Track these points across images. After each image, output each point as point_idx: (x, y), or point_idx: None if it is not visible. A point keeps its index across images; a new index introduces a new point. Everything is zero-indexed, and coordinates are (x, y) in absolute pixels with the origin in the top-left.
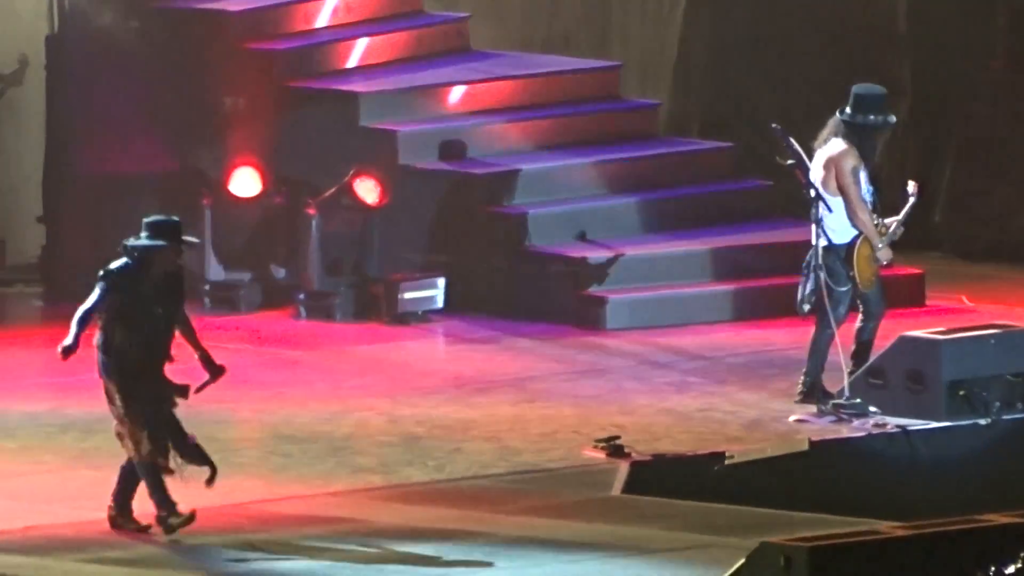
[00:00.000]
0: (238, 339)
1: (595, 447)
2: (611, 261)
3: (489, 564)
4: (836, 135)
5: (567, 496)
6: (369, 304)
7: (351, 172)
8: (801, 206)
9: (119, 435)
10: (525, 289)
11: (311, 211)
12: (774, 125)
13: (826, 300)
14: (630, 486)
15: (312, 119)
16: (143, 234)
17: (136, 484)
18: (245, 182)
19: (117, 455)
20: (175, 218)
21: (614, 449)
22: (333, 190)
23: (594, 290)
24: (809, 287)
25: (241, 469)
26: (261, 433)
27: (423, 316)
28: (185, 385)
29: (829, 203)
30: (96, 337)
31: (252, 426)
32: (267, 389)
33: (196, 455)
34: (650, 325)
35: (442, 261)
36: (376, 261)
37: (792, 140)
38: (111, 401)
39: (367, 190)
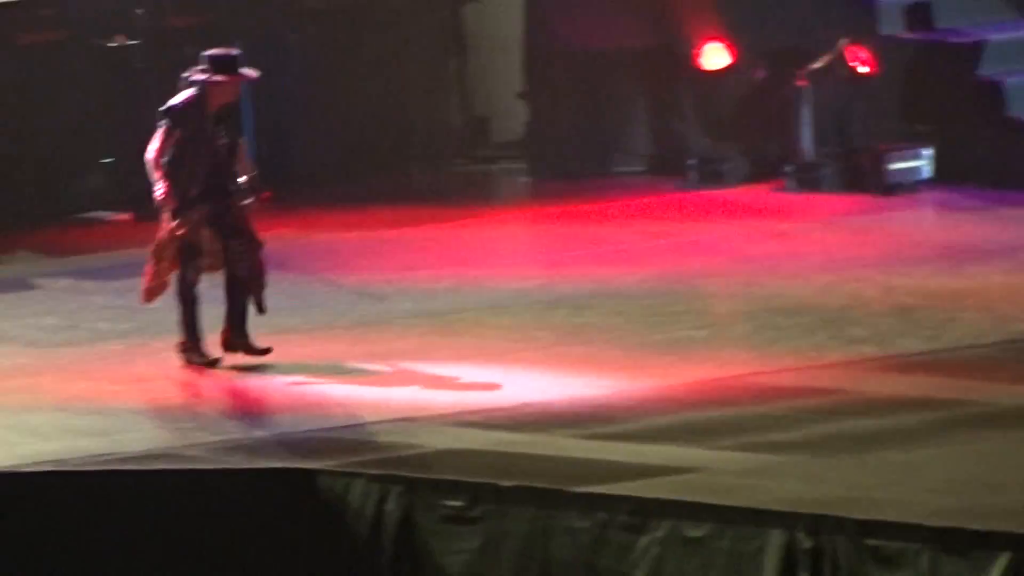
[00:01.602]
0: (725, 213)
1: None
2: None
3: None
4: None
5: None
6: (855, 175)
7: (841, 42)
8: None
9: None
10: (1013, 159)
11: (802, 82)
12: None
13: None
14: None
15: None
16: (202, 68)
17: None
18: (715, 56)
19: (609, 331)
20: (234, 51)
21: None
22: (825, 60)
23: None
24: None
25: (734, 342)
26: (753, 306)
27: (911, 186)
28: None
29: None
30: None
31: (744, 299)
32: (758, 262)
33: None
34: None
35: (925, 131)
36: (862, 132)
37: None
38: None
39: (859, 59)
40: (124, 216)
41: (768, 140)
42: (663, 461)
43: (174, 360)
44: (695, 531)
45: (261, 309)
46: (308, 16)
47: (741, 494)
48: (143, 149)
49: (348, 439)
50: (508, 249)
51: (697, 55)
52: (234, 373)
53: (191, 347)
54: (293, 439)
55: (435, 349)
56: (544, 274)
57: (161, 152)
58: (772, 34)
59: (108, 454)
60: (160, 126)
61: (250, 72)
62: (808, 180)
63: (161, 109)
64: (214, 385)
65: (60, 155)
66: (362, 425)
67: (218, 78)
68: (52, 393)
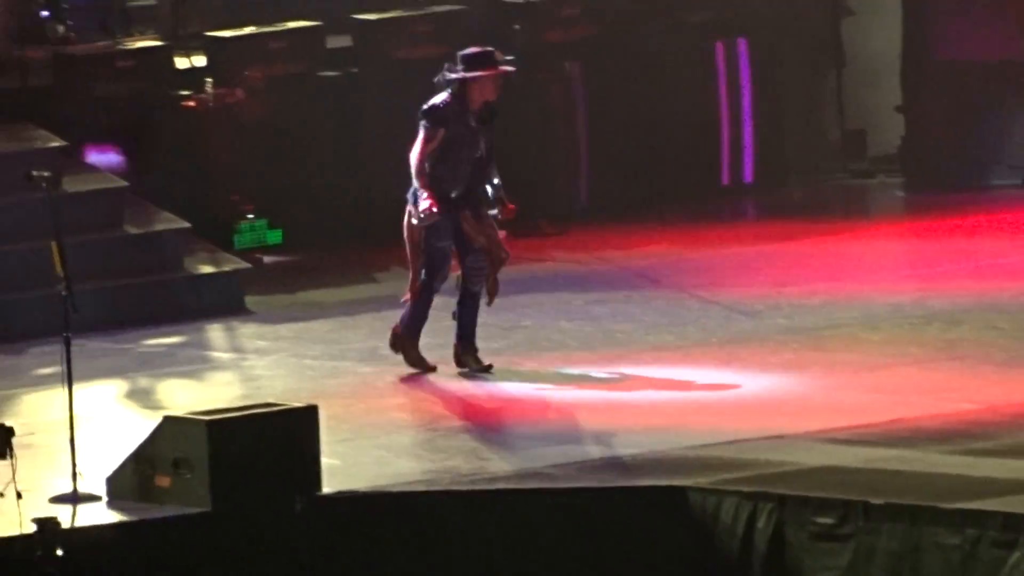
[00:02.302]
0: None
1: None
2: None
3: None
4: None
5: None
6: None
7: None
8: None
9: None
10: None
11: None
12: None
13: None
14: None
15: None
16: (459, 67)
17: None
18: None
19: (982, 346)
20: (489, 48)
21: None
22: None
23: None
24: None
25: None
26: None
27: None
28: None
29: None
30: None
31: None
32: None
33: None
34: None
35: None
36: None
37: None
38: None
39: None
40: (499, 234)
41: None
42: None
43: (545, 379)
44: None
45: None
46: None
47: None
48: (521, 166)
49: (718, 456)
50: (882, 263)
51: None
52: (592, 389)
53: (409, 345)
54: (663, 456)
55: (808, 364)
56: (918, 288)
57: (423, 156)
58: None
59: (477, 474)
60: (421, 128)
61: (508, 66)
62: None
63: (423, 109)
64: (579, 404)
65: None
66: (732, 442)
67: (477, 73)
68: (422, 412)
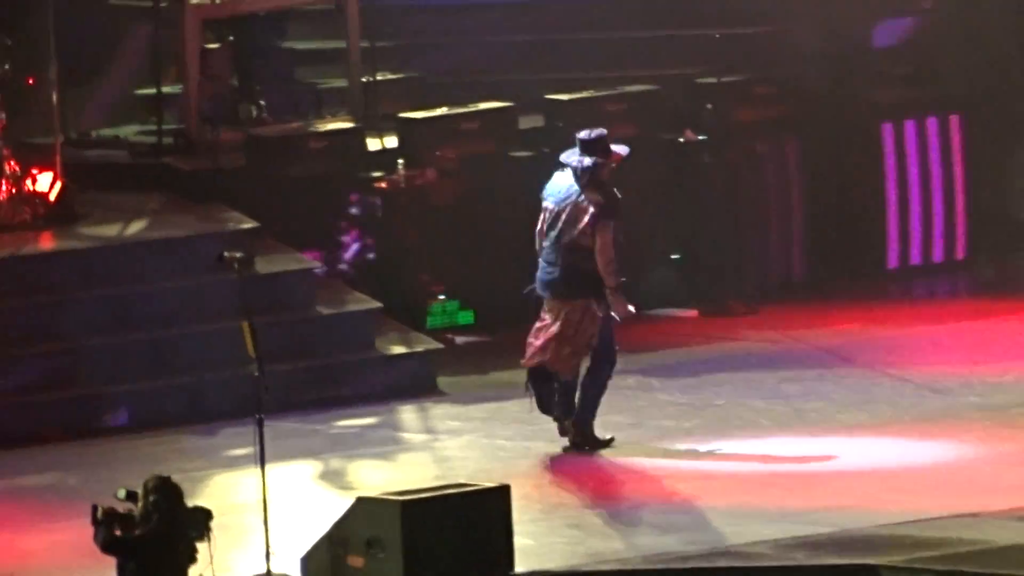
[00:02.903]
0: None
1: None
2: None
3: None
4: None
5: None
6: None
7: None
8: None
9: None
10: None
11: None
12: None
13: None
14: None
15: None
16: (595, 154)
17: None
18: None
19: None
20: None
21: None
22: None
23: None
24: None
25: None
26: None
27: None
28: None
29: None
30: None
31: None
32: None
33: None
34: None
35: None
36: None
37: None
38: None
39: None
40: (690, 313)
41: None
42: None
43: (736, 456)
44: None
45: None
46: (881, 110)
47: None
48: (707, 246)
49: (910, 534)
50: None
51: None
52: (783, 464)
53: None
54: (855, 535)
55: (1000, 442)
56: None
57: (615, 250)
58: None
59: (668, 552)
60: (608, 225)
61: (622, 148)
62: None
63: (604, 205)
64: (770, 481)
65: (631, 251)
66: (925, 520)
67: (613, 157)
68: (611, 491)
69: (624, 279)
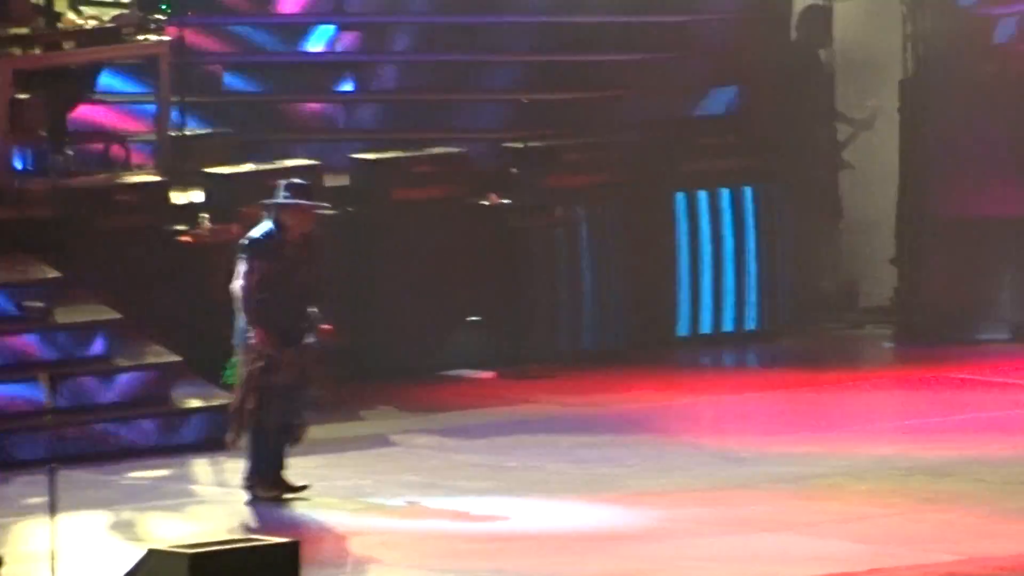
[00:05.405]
0: None
1: None
2: None
3: None
4: None
5: None
6: None
7: None
8: None
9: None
10: None
11: None
12: None
13: None
14: None
15: None
16: (281, 194)
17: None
18: None
19: (966, 498)
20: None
21: None
22: None
23: None
24: None
25: None
26: None
27: None
28: None
29: None
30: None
31: None
32: None
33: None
34: None
35: None
36: None
37: None
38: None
39: None
40: (488, 375)
41: None
42: None
43: (531, 517)
44: None
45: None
46: (686, 179)
47: None
48: (512, 308)
49: None
50: (869, 414)
51: None
52: (576, 528)
53: (257, 481)
54: None
55: (792, 513)
56: (904, 439)
57: (250, 289)
58: None
59: None
60: (243, 260)
61: (325, 204)
62: None
63: (243, 242)
64: (560, 545)
65: (430, 312)
66: None
67: (295, 204)
68: (403, 548)
69: (260, 320)
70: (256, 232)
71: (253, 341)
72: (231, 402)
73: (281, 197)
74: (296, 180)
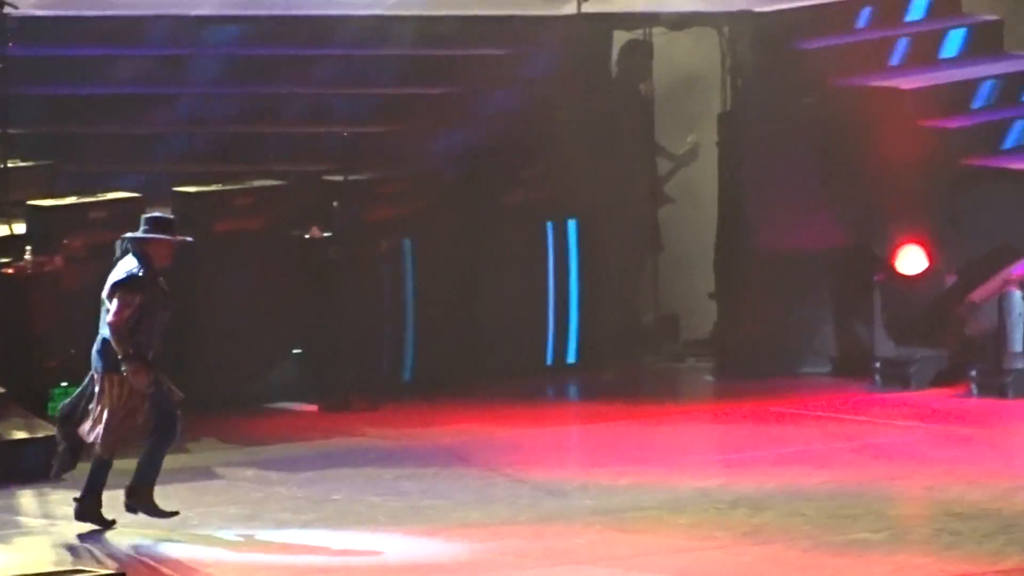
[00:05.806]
0: (909, 416)
1: None
2: None
3: None
4: None
5: None
6: None
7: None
8: None
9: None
10: None
11: (1015, 288)
12: None
13: None
14: None
15: (988, 198)
16: (142, 228)
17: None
18: (912, 260)
19: (788, 532)
20: (170, 215)
21: None
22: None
23: None
24: None
25: (910, 546)
26: (932, 510)
27: None
28: None
29: None
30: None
31: (923, 503)
32: (938, 466)
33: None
34: None
35: None
36: None
37: None
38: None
39: None
40: (310, 408)
41: (965, 344)
42: None
43: (354, 549)
44: None
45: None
46: (507, 212)
47: None
48: (333, 342)
49: None
50: (690, 447)
51: (894, 258)
52: (395, 560)
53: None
54: None
55: (612, 546)
56: (725, 473)
57: (126, 322)
58: (970, 241)
59: None
60: (117, 296)
61: (185, 236)
62: (994, 386)
63: (121, 279)
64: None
65: (252, 344)
66: None
67: (159, 237)
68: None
69: (137, 354)
70: (127, 268)
71: (127, 373)
72: (104, 421)
73: (142, 231)
74: (158, 213)
